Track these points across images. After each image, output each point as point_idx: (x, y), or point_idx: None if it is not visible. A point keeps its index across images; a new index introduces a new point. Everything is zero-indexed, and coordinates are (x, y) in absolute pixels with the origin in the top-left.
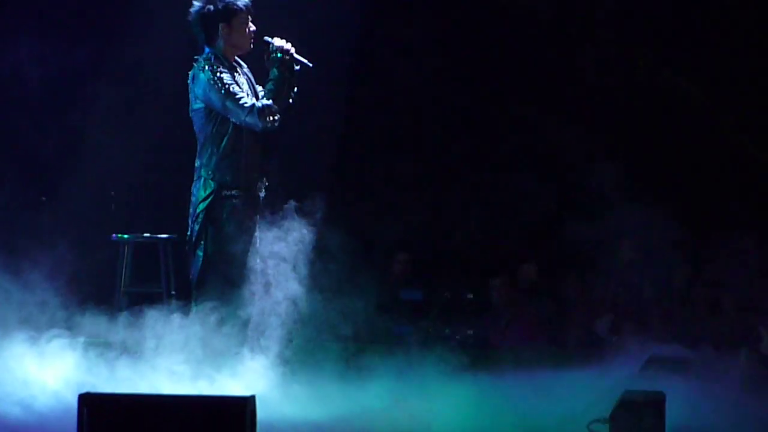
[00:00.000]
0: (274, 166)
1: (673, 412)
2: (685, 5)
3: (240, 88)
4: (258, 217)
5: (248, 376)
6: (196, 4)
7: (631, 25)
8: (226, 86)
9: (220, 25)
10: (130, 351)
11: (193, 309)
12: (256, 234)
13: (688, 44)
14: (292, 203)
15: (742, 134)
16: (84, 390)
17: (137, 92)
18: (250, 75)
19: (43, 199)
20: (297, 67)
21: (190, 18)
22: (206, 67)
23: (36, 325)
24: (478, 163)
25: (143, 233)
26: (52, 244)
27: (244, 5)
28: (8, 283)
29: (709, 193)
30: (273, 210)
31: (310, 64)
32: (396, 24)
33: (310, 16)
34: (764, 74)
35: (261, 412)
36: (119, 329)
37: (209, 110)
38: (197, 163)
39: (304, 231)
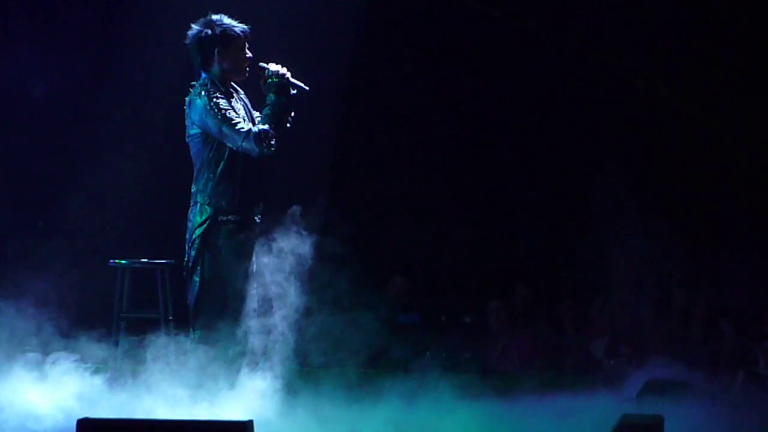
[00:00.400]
0: (270, 190)
1: None
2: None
3: (236, 113)
4: (255, 241)
5: (247, 400)
6: (194, 28)
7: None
8: (223, 112)
9: (217, 50)
10: (127, 376)
11: (191, 335)
12: (253, 259)
13: (681, 55)
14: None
15: (743, 152)
16: (82, 415)
17: (134, 117)
18: (246, 100)
19: (40, 224)
20: (293, 91)
21: (187, 42)
22: (202, 93)
23: (33, 351)
24: (475, 187)
25: (141, 259)
26: (49, 269)
27: (242, 31)
28: (5, 307)
29: (708, 212)
30: (269, 234)
31: (307, 88)
32: (391, 43)
33: (305, 38)
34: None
35: None
36: (118, 355)
37: (206, 136)
38: (193, 189)
39: (300, 252)
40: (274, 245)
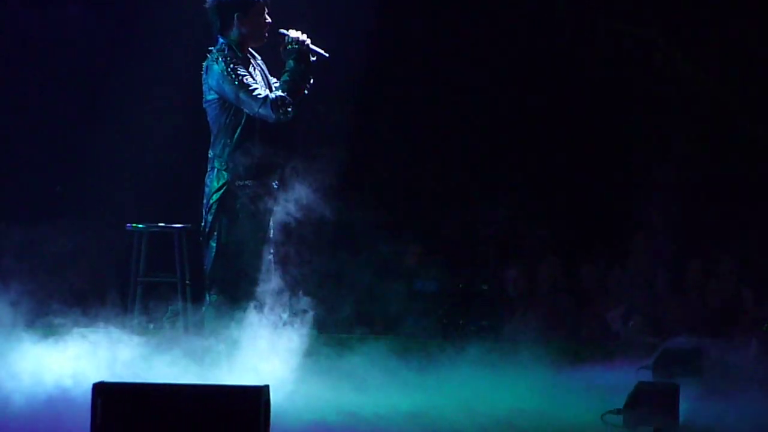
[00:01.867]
0: (288, 156)
1: (685, 404)
2: None
3: (254, 79)
4: (272, 207)
5: (264, 364)
6: None
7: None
8: (240, 77)
9: (236, 15)
10: (144, 340)
11: (207, 299)
12: (270, 224)
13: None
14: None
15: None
16: (98, 379)
17: (151, 82)
18: (263, 67)
19: (59, 188)
20: (313, 59)
21: (207, 5)
22: (220, 59)
23: (49, 314)
24: (496, 156)
25: (158, 223)
26: (67, 232)
27: None
28: (21, 271)
29: (726, 183)
30: (286, 198)
31: (327, 55)
32: (413, 13)
33: (326, 5)
34: None
35: (275, 401)
36: (134, 318)
37: (223, 101)
38: (210, 154)
39: (316, 218)
40: (291, 209)
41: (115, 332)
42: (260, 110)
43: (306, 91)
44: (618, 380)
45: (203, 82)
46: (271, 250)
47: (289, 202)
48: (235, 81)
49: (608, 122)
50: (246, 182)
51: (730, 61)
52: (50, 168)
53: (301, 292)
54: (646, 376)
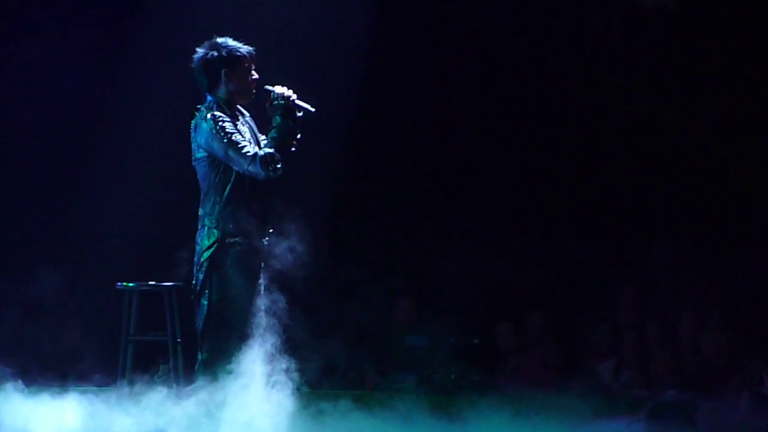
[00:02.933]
0: (277, 213)
1: None
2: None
3: (242, 136)
4: (263, 264)
5: (259, 422)
6: (200, 50)
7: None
8: (229, 135)
9: (224, 71)
10: (134, 400)
11: (199, 357)
12: (261, 281)
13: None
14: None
15: (744, 171)
16: None
17: (140, 140)
18: (252, 123)
19: (45, 248)
20: (299, 114)
21: (193, 65)
22: (208, 116)
23: (38, 375)
24: (483, 211)
25: (148, 281)
26: (58, 291)
27: (248, 53)
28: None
29: (716, 231)
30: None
31: (313, 110)
32: (395, 66)
33: (311, 61)
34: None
35: None
36: (125, 378)
37: (212, 159)
38: (201, 212)
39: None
40: (280, 268)
41: (107, 391)
42: (250, 167)
43: (294, 147)
44: None
45: (192, 140)
46: (263, 307)
47: (279, 259)
48: (224, 139)
49: (596, 174)
50: (236, 239)
51: (715, 111)
52: (40, 226)
53: (291, 349)
54: (638, 429)
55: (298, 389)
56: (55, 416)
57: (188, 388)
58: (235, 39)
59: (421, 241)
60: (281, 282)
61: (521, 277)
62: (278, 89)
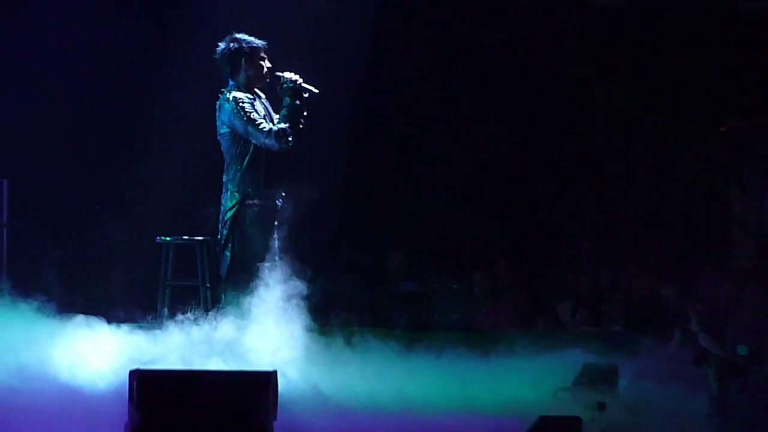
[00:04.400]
0: (289, 178)
1: (624, 382)
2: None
3: (259, 115)
4: (276, 221)
5: (271, 353)
6: (222, 43)
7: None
8: (248, 114)
9: (243, 60)
10: (172, 334)
11: (223, 298)
12: (275, 235)
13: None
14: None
15: (683, 150)
16: (134, 367)
17: (177, 119)
18: (267, 104)
19: (98, 207)
20: (306, 95)
21: (217, 55)
22: (230, 98)
23: (94, 312)
24: (464, 178)
25: (182, 236)
26: (107, 245)
27: (262, 45)
28: (71, 277)
29: (652, 199)
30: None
31: (317, 91)
32: (391, 57)
33: (316, 49)
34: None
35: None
36: (164, 316)
37: (234, 134)
38: (224, 178)
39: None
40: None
41: (149, 327)
42: (266, 141)
43: (302, 123)
44: (567, 364)
45: (217, 118)
46: (276, 257)
47: (291, 217)
48: (243, 117)
49: (559, 145)
50: (254, 201)
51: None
52: (93, 190)
53: (302, 293)
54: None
55: (307, 325)
56: (114, 346)
57: (215, 323)
58: (251, 33)
59: (412, 205)
60: (293, 239)
61: (494, 232)
62: (287, 74)
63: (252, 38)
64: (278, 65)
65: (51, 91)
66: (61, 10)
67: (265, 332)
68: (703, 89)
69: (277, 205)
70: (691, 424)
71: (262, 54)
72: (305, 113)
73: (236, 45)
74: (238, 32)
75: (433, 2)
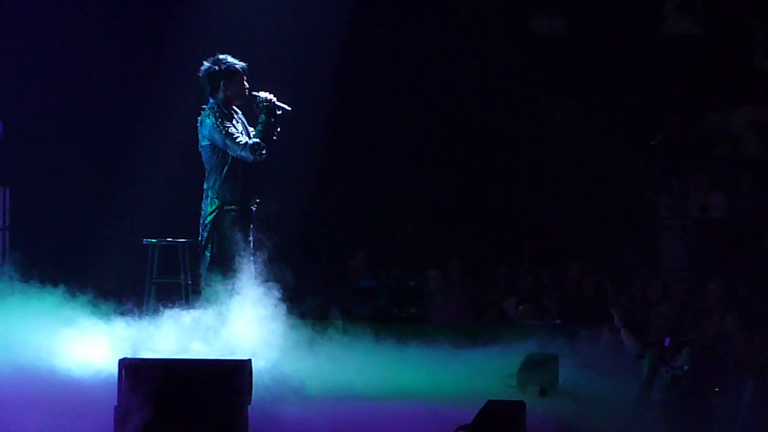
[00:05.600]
0: (263, 187)
1: (564, 370)
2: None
3: (236, 129)
4: (252, 225)
5: (248, 340)
6: (205, 64)
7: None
8: (226, 128)
9: (222, 82)
10: (157, 327)
11: (203, 295)
12: (250, 238)
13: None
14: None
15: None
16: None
17: (162, 136)
18: (243, 119)
19: (90, 211)
20: (279, 112)
21: (199, 75)
22: (210, 114)
23: (83, 309)
24: (419, 186)
25: (167, 238)
26: (97, 246)
27: (241, 68)
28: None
29: (595, 209)
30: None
31: (290, 109)
32: (358, 77)
33: (290, 71)
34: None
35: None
36: (150, 311)
37: (213, 146)
38: (205, 186)
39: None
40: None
41: (136, 321)
42: (241, 153)
43: (275, 137)
44: (511, 353)
45: (198, 132)
46: (251, 257)
47: (264, 222)
48: (222, 131)
49: (506, 154)
50: (232, 207)
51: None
52: (85, 197)
53: (274, 289)
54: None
55: (279, 318)
56: (105, 336)
57: (196, 316)
58: (232, 55)
59: (373, 210)
60: (265, 241)
61: (447, 234)
62: (263, 94)
63: (233, 60)
64: (256, 83)
65: (48, 101)
66: (57, 21)
67: (240, 324)
68: (635, 107)
69: (252, 210)
70: (621, 407)
71: (241, 75)
72: (278, 129)
73: (216, 67)
74: (222, 52)
75: (393, 28)
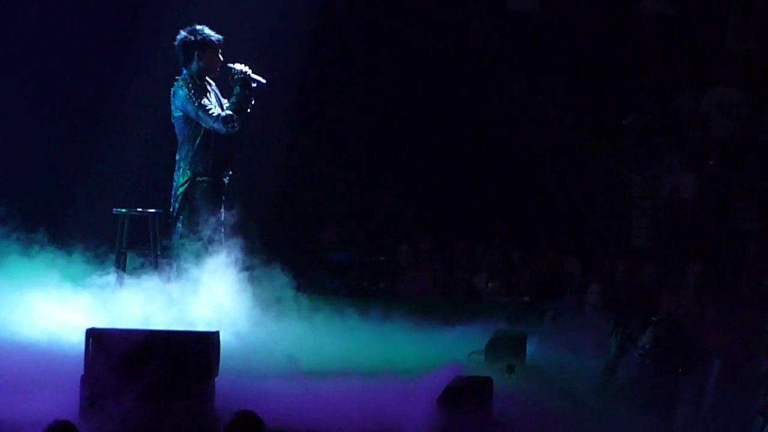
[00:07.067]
0: (235, 159)
1: (530, 348)
2: None
3: (209, 101)
4: (223, 197)
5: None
6: (181, 33)
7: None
8: (199, 100)
9: (196, 53)
10: (126, 296)
11: (174, 265)
12: (221, 210)
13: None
14: None
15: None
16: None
17: (134, 103)
18: (217, 91)
19: (61, 181)
20: (254, 85)
21: (175, 43)
22: (183, 86)
23: (54, 277)
24: (392, 161)
25: (137, 208)
26: (71, 216)
27: (217, 40)
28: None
29: (567, 189)
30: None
31: (264, 81)
32: (332, 53)
33: (266, 42)
34: None
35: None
36: (120, 280)
37: (186, 118)
38: (177, 157)
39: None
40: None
41: (105, 290)
42: (214, 125)
43: (249, 110)
44: (481, 330)
45: (171, 103)
46: (222, 229)
47: (236, 196)
48: (195, 103)
49: (480, 135)
50: (204, 178)
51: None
52: (61, 166)
53: (245, 262)
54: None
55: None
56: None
57: (165, 287)
58: (209, 27)
59: (346, 185)
60: (239, 214)
61: (419, 210)
62: (237, 66)
63: (209, 31)
64: (233, 55)
65: (19, 72)
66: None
67: (210, 296)
68: (608, 87)
69: (224, 182)
70: (587, 385)
71: (216, 47)
72: (253, 101)
73: (192, 37)
74: (199, 23)
75: (368, 2)
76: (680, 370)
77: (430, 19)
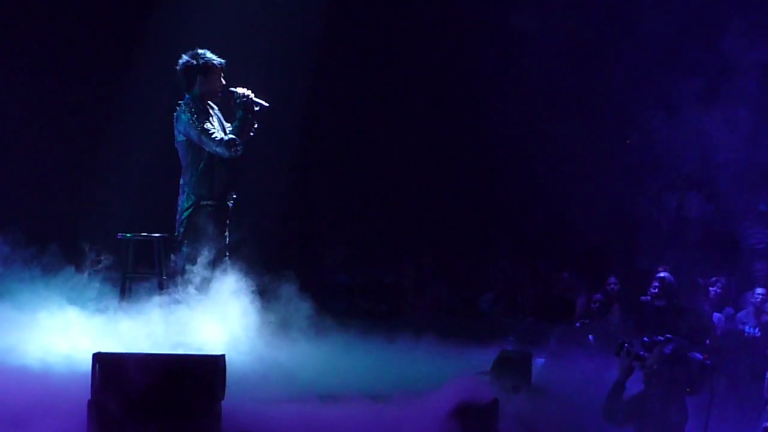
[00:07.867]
0: (240, 182)
1: (536, 368)
2: None
3: (212, 125)
4: (228, 221)
5: (220, 338)
6: (183, 58)
7: None
8: (201, 124)
9: (198, 77)
10: (131, 321)
11: (179, 288)
12: (226, 233)
13: None
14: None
15: None
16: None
17: (140, 131)
18: (220, 115)
19: (65, 206)
20: (257, 108)
21: (177, 68)
22: (186, 110)
23: (61, 302)
24: (393, 187)
25: (142, 233)
26: (76, 241)
27: (219, 63)
28: (41, 273)
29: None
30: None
31: (267, 104)
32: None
33: (269, 67)
34: None
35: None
36: (124, 305)
37: (189, 142)
38: (182, 181)
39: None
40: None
41: (110, 314)
42: (217, 149)
43: (252, 134)
44: (486, 350)
45: (174, 127)
46: (227, 253)
47: (242, 218)
48: (197, 127)
49: (484, 156)
50: (208, 202)
51: None
52: (62, 191)
53: (250, 285)
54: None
55: (255, 311)
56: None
57: (171, 310)
58: (211, 50)
59: (350, 211)
60: (244, 237)
61: (421, 232)
62: (240, 90)
63: (211, 55)
64: (236, 79)
65: (23, 94)
66: (34, 14)
67: (216, 319)
68: (612, 105)
69: (229, 206)
70: (594, 405)
71: (218, 71)
72: (255, 125)
73: (194, 61)
74: (200, 47)
75: (370, 26)
76: (687, 390)
77: (433, 39)
